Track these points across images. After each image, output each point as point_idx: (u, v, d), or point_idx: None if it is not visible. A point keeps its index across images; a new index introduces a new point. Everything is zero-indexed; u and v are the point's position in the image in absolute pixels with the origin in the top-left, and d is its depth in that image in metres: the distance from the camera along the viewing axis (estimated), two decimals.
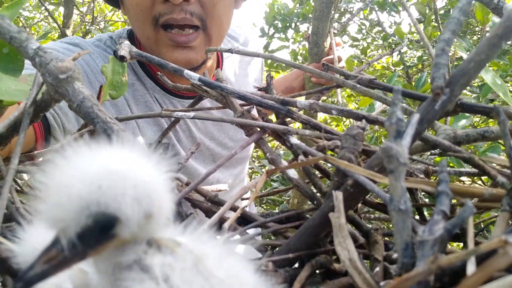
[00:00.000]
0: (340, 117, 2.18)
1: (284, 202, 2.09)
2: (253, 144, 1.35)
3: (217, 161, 1.20)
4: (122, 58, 0.40)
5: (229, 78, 1.21)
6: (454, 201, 0.38)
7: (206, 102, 1.08)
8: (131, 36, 1.09)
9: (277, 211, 0.44)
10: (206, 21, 0.94)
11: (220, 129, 1.19)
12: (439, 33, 1.74)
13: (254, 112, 0.47)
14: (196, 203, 0.41)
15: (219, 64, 1.18)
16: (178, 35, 0.92)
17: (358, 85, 0.44)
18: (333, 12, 1.30)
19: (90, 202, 0.22)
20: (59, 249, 0.23)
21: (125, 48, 0.41)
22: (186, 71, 0.42)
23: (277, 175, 2.05)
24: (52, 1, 2.92)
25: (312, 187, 0.43)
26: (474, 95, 1.66)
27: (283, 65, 2.67)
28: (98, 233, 0.23)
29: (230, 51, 0.58)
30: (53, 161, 0.24)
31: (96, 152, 0.25)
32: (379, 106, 1.29)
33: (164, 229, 0.27)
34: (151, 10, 0.91)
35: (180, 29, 0.92)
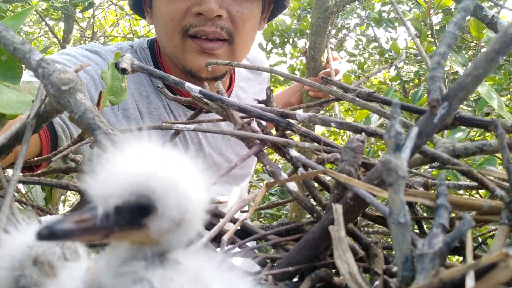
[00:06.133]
0: (338, 130, 2.19)
1: (282, 216, 2.08)
2: (255, 160, 1.35)
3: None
4: (123, 71, 0.41)
5: (240, 95, 1.23)
6: (452, 214, 0.38)
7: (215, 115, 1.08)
8: (152, 46, 1.09)
9: (276, 224, 0.44)
10: (234, 36, 0.96)
11: (227, 145, 1.19)
12: (434, 48, 1.76)
13: (254, 124, 0.47)
14: None
15: (231, 82, 1.20)
16: (205, 41, 0.94)
17: (357, 98, 0.44)
18: (330, 27, 1.32)
19: (139, 183, 0.24)
20: (93, 216, 0.25)
21: (127, 61, 0.41)
22: (187, 84, 0.43)
23: (275, 188, 2.04)
24: (53, 16, 2.95)
25: (312, 200, 0.43)
26: (470, 108, 1.67)
27: (281, 79, 2.69)
28: (132, 214, 0.25)
29: (229, 64, 0.59)
30: (111, 150, 0.26)
31: (153, 148, 0.27)
32: (375, 119, 1.29)
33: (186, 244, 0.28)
34: (182, 21, 0.93)
35: (207, 39, 0.94)
